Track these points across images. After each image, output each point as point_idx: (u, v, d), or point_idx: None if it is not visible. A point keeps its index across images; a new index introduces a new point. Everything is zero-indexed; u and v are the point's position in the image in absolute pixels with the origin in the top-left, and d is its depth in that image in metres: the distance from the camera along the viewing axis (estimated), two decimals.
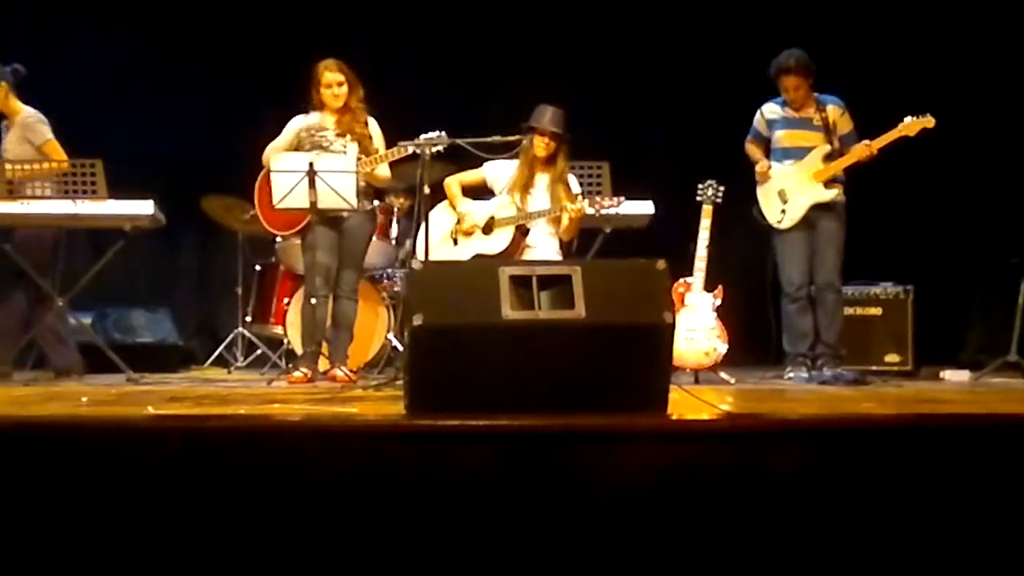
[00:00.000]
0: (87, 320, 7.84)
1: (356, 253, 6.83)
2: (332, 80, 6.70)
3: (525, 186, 6.67)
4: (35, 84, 8.88)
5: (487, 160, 6.69)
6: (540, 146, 6.61)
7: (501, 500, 3.39)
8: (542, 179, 6.71)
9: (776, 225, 7.07)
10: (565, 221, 6.56)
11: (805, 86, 6.99)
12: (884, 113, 6.95)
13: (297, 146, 6.73)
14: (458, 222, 6.79)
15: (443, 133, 6.33)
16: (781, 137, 7.09)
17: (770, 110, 7.15)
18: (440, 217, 6.73)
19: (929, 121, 6.69)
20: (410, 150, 6.46)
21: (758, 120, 7.20)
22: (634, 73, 9.09)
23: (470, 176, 6.88)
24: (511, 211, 6.64)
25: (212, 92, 9.31)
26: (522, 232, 6.64)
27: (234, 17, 9.32)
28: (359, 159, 6.56)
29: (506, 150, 6.60)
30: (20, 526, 3.35)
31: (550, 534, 3.38)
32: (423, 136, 6.37)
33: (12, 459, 3.40)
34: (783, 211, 7.03)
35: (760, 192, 7.14)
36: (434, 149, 6.24)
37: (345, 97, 6.72)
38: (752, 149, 7.20)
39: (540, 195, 6.68)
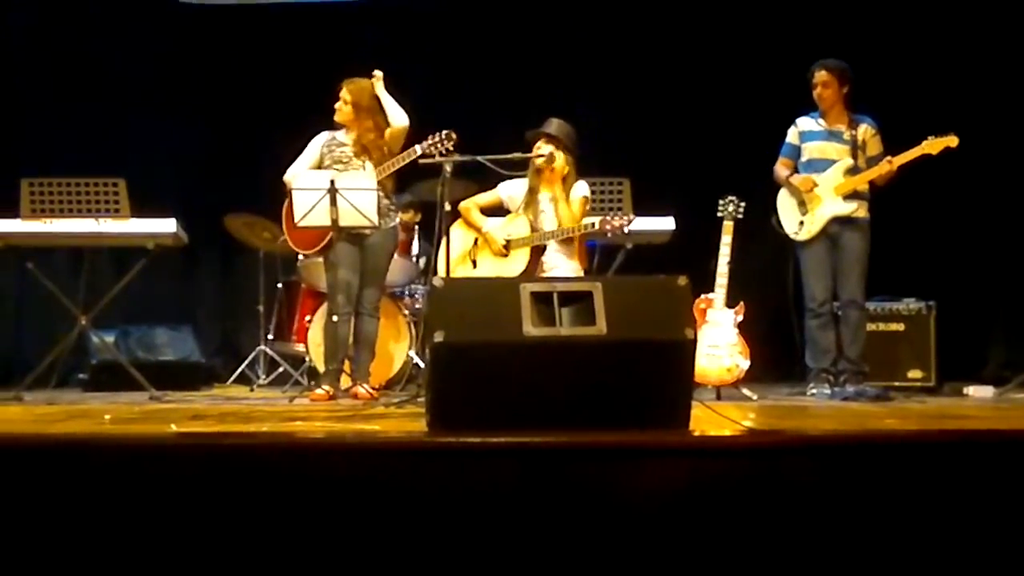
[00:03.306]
0: (110, 338, 7.86)
1: (378, 270, 6.84)
2: (341, 96, 6.79)
3: (534, 204, 6.66)
4: (61, 104, 8.99)
5: (504, 179, 6.67)
6: (537, 154, 6.58)
7: (523, 517, 3.39)
8: (550, 196, 6.67)
9: (793, 236, 7.05)
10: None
11: (835, 86, 6.97)
12: (908, 130, 6.94)
13: (320, 162, 6.79)
14: (475, 243, 6.78)
15: (450, 132, 6.38)
16: (811, 149, 7.06)
17: (804, 123, 7.12)
18: (456, 239, 6.69)
19: (952, 140, 6.67)
20: (418, 151, 6.49)
21: (791, 134, 7.16)
22: (655, 89, 9.08)
23: (485, 198, 6.86)
24: (525, 230, 6.62)
25: (235, 111, 9.34)
26: (539, 251, 6.61)
27: (258, 37, 9.37)
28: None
29: (525, 168, 6.62)
30: (44, 544, 3.36)
31: (571, 551, 3.37)
32: (427, 141, 6.41)
33: (36, 477, 3.42)
34: (801, 222, 7.01)
35: (781, 202, 7.12)
36: (451, 163, 6.22)
37: (347, 116, 6.77)
38: (780, 170, 7.16)
39: (550, 213, 6.65)
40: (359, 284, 6.76)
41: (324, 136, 6.88)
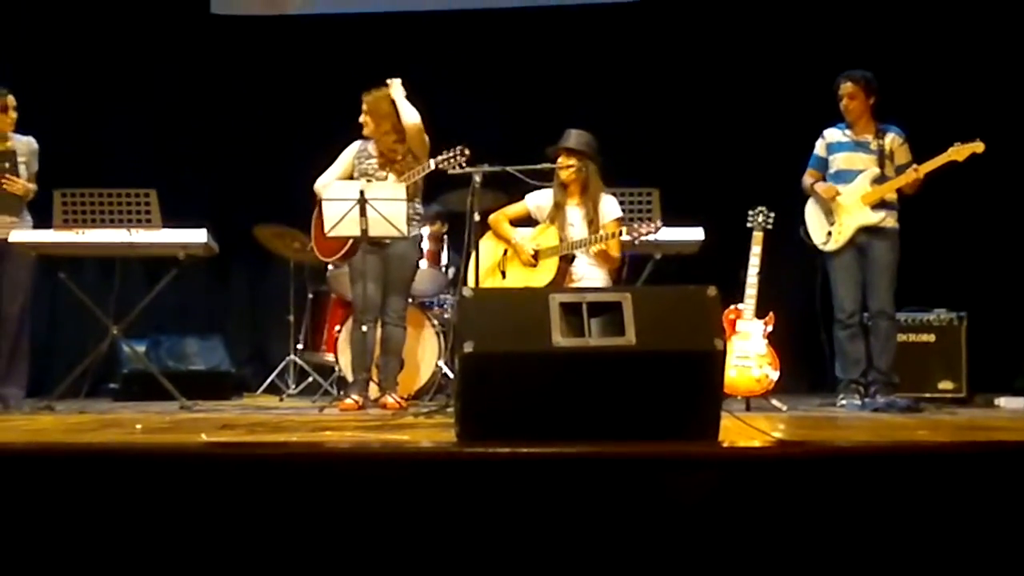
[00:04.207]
0: (141, 348, 7.90)
1: (402, 279, 6.86)
2: (363, 108, 6.87)
3: (561, 217, 6.66)
4: (92, 114, 9.05)
5: (532, 190, 6.68)
6: (562, 167, 6.58)
7: (551, 527, 3.39)
8: (576, 205, 6.67)
9: (821, 247, 7.03)
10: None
11: (861, 96, 6.95)
12: (936, 137, 6.91)
13: (350, 171, 6.85)
14: (504, 254, 6.78)
15: (464, 147, 6.40)
16: (838, 160, 7.04)
17: (831, 134, 7.10)
18: (486, 250, 6.70)
19: (978, 146, 6.64)
20: (432, 165, 6.54)
21: (819, 146, 7.14)
22: (684, 100, 9.08)
23: (513, 209, 6.85)
24: (554, 241, 6.62)
25: (265, 122, 9.39)
26: (567, 261, 6.61)
27: (289, 48, 9.42)
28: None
29: (554, 178, 6.63)
30: (75, 552, 3.38)
31: (600, 561, 3.37)
32: (441, 156, 6.46)
33: (68, 486, 3.44)
34: (829, 233, 6.99)
35: (808, 212, 7.11)
36: (480, 174, 6.22)
37: (369, 127, 6.85)
38: (807, 180, 7.14)
39: (577, 222, 6.64)
40: (383, 293, 6.78)
41: (356, 146, 6.95)
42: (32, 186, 7.05)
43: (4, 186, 6.91)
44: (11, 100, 7.10)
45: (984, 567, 3.43)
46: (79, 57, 9.27)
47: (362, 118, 6.85)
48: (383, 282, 6.79)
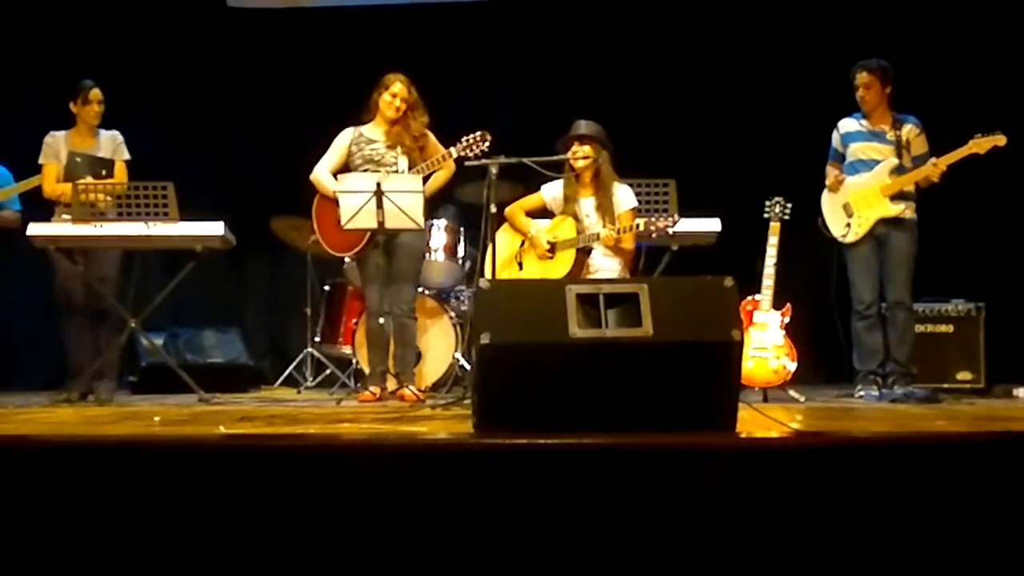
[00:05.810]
0: (159, 340, 7.93)
1: (408, 271, 6.79)
2: (398, 92, 6.75)
3: (575, 205, 6.64)
4: (109, 107, 9.06)
5: (548, 181, 6.66)
6: (576, 156, 6.55)
7: (570, 518, 3.39)
8: (590, 196, 6.64)
9: (841, 239, 7.01)
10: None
11: (877, 87, 6.92)
12: (956, 128, 6.88)
13: (348, 160, 6.80)
14: (521, 246, 6.77)
15: (484, 132, 6.44)
16: (854, 150, 7.03)
17: (846, 124, 7.09)
18: (503, 242, 6.69)
19: (1000, 139, 6.61)
20: (453, 154, 6.58)
21: (834, 138, 7.14)
22: (701, 90, 9.06)
23: (529, 201, 6.83)
24: (570, 232, 6.61)
25: (281, 114, 9.39)
26: (585, 253, 6.59)
27: (305, 40, 9.42)
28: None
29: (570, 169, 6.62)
30: (95, 543, 3.40)
31: (617, 552, 3.37)
32: (461, 144, 6.49)
33: (87, 478, 3.45)
34: (848, 225, 6.97)
35: (825, 204, 7.10)
36: (497, 166, 6.20)
37: (400, 114, 6.75)
38: (829, 172, 7.13)
39: (592, 213, 6.62)
40: (390, 285, 6.75)
41: (349, 133, 6.88)
42: (121, 187, 6.99)
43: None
44: (97, 93, 7.15)
45: (1002, 557, 3.43)
46: (96, 51, 9.26)
47: (398, 103, 6.74)
48: (390, 273, 6.73)
